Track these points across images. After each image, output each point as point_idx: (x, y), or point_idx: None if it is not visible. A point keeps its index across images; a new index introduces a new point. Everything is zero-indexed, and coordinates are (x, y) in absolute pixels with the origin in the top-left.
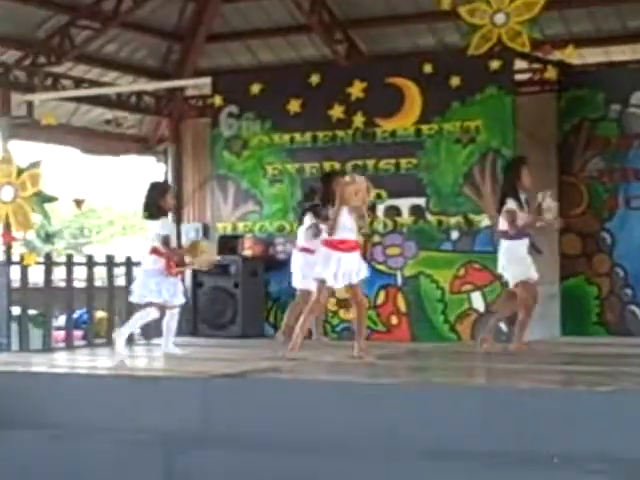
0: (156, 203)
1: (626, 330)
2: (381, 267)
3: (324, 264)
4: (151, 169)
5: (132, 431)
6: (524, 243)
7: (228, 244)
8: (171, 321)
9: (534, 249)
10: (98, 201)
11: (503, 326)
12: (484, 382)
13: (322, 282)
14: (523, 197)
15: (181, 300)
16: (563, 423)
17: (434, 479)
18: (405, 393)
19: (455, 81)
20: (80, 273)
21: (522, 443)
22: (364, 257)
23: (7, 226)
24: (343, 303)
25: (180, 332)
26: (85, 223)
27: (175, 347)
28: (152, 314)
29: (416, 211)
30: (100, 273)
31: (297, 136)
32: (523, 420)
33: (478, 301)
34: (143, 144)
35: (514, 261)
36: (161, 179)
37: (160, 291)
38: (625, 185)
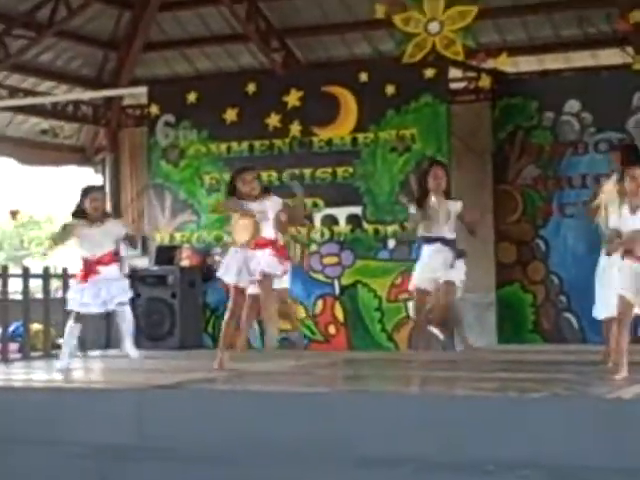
0: (79, 205)
1: (561, 337)
2: (318, 276)
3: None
4: (90, 180)
5: (67, 444)
6: (426, 247)
7: (165, 254)
8: (122, 322)
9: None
10: (39, 212)
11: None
12: (420, 390)
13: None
14: (434, 200)
15: (118, 299)
16: (496, 429)
17: None
18: (341, 402)
19: (390, 89)
20: (17, 285)
21: (458, 450)
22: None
23: None
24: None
25: (118, 344)
26: (25, 235)
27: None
28: (69, 325)
29: (353, 220)
30: (38, 286)
31: (234, 145)
32: (458, 427)
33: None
34: (81, 154)
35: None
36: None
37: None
38: (559, 192)
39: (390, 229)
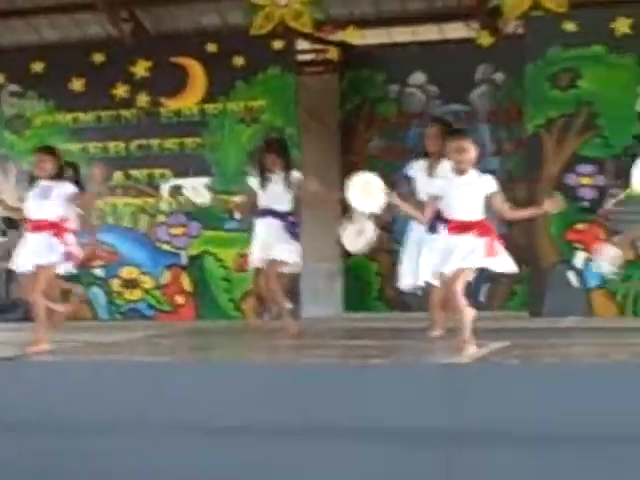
0: None
1: (405, 305)
2: (166, 247)
3: None
4: None
5: None
6: (258, 222)
7: (10, 225)
8: None
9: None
10: None
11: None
12: (265, 358)
13: None
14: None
15: None
16: (338, 396)
17: (216, 455)
18: (185, 371)
19: (239, 61)
20: None
21: (301, 417)
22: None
23: None
24: (130, 283)
25: None
26: None
27: None
28: None
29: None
30: None
31: (81, 115)
32: (302, 395)
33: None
34: None
35: None
36: None
37: None
38: (404, 163)
39: (238, 200)
